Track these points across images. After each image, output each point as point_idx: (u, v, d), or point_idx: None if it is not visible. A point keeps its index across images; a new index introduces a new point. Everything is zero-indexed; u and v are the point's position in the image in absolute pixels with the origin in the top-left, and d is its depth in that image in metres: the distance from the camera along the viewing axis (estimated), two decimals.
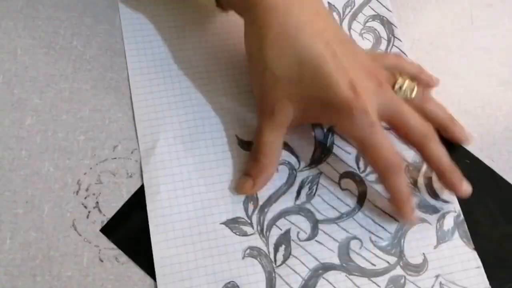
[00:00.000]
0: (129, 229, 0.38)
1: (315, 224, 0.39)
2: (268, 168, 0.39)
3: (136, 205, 0.39)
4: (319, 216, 0.40)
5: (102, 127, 0.41)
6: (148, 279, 0.37)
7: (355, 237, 0.39)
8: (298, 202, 0.40)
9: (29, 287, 0.36)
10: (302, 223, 0.39)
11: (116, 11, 0.46)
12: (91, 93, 0.42)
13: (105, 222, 0.38)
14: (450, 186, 0.39)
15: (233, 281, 0.37)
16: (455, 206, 0.41)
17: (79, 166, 0.40)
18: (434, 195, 0.42)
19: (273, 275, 0.38)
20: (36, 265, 0.37)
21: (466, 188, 0.39)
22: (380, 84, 0.37)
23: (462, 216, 0.41)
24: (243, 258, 0.38)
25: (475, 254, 0.40)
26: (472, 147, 0.43)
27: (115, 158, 0.40)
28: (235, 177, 0.40)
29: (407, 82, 0.40)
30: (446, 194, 0.41)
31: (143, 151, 0.40)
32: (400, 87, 0.40)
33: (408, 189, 0.38)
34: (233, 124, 0.42)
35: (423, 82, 0.43)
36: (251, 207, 0.39)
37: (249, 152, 0.41)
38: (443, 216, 0.41)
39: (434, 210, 0.41)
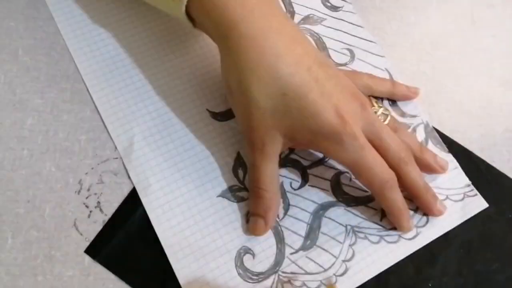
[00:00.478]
0: (113, 248, 0.37)
1: (304, 171, 0.41)
2: (273, 201, 0.38)
3: (117, 223, 0.38)
4: (305, 163, 0.41)
5: (103, 127, 0.41)
6: None
7: (343, 172, 0.41)
8: (282, 155, 0.41)
9: (30, 287, 0.36)
10: (291, 173, 0.41)
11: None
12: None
13: (106, 221, 0.38)
14: (424, 205, 0.39)
15: (244, 246, 0.38)
16: (423, 117, 0.44)
17: (80, 166, 0.40)
18: (402, 114, 0.44)
19: (279, 228, 0.39)
20: (38, 264, 0.37)
21: (440, 207, 0.39)
22: (363, 106, 0.37)
23: (431, 125, 0.43)
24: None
25: (450, 157, 0.42)
26: (472, 147, 0.43)
27: (117, 158, 0.40)
28: (218, 149, 0.41)
29: (381, 110, 0.40)
30: (411, 108, 0.44)
31: (122, 150, 0.40)
32: (375, 113, 0.39)
33: (404, 203, 0.38)
34: (201, 100, 0.43)
35: (399, 97, 0.44)
36: (241, 173, 0.40)
37: (223, 122, 0.42)
38: (414, 130, 0.43)
39: (405, 127, 0.43)
